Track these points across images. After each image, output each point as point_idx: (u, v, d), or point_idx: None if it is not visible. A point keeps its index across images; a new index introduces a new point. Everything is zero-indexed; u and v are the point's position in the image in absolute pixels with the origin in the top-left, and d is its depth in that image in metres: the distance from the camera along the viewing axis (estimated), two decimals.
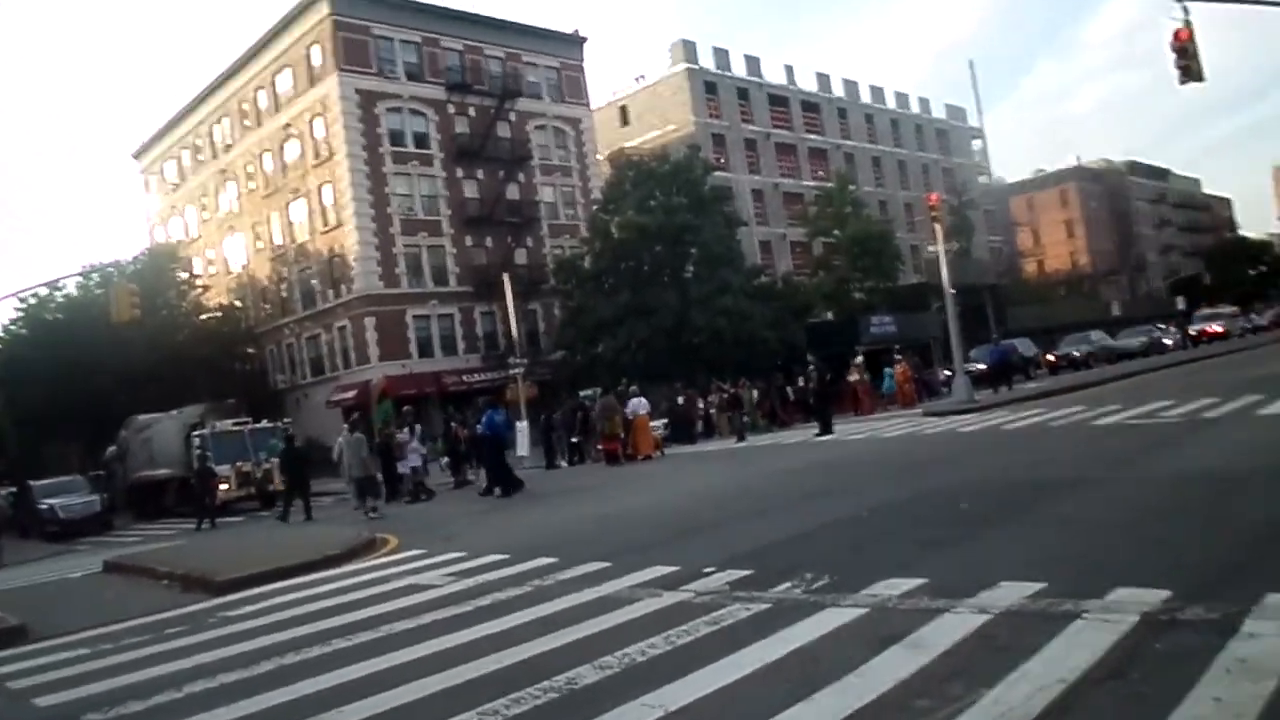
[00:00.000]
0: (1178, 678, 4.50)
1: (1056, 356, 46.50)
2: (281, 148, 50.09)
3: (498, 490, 19.94)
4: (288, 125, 49.17)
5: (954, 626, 5.87)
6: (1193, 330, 57.31)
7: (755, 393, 31.25)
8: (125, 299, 23.99)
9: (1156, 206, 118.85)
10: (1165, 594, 5.84)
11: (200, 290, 52.06)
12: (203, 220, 58.02)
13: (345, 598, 9.86)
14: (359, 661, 6.95)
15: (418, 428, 24.62)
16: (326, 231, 47.04)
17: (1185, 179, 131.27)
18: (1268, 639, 4.87)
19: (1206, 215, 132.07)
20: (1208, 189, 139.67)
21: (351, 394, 42.02)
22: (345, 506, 22.37)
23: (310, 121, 47.50)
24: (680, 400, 32.38)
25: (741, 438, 28.13)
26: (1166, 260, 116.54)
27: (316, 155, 47.17)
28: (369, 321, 44.69)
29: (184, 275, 51.81)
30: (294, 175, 49.16)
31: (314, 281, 48.81)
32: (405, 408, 27.80)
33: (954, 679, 4.94)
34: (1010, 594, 6.38)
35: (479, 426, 21.28)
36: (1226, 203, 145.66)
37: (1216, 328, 57.92)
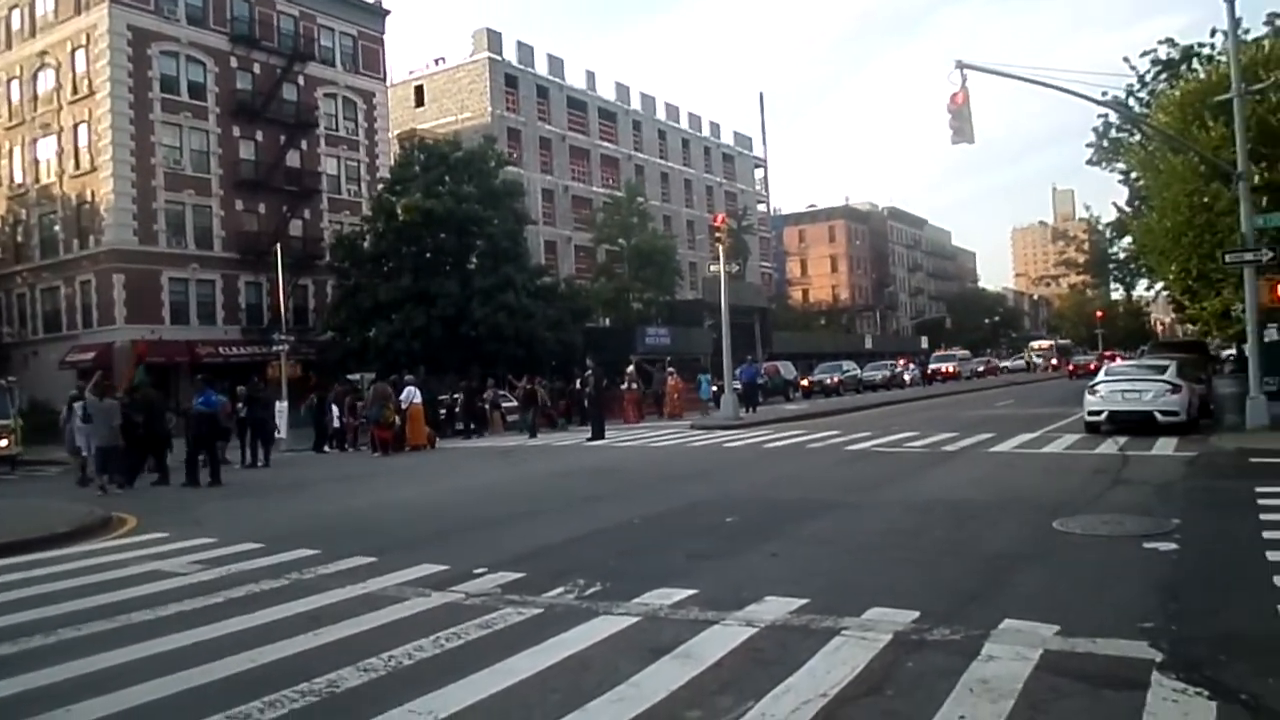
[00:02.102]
0: (928, 696, 4.82)
1: (810, 381, 49.36)
2: (34, 76, 45.15)
3: (204, 477, 18.49)
4: (44, 53, 44.42)
5: (723, 639, 6.04)
6: (930, 368, 62.61)
7: (546, 391, 31.33)
8: None
9: (911, 251, 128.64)
10: (914, 614, 6.27)
11: None
12: None
13: (75, 581, 8.92)
14: (92, 654, 6.29)
15: (83, 404, 19.88)
16: (78, 175, 42.84)
17: (938, 229, 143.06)
18: (1005, 661, 5.31)
19: (953, 265, 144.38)
20: (957, 241, 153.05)
21: (90, 355, 38.54)
22: (69, 479, 20.41)
23: (71, 52, 43.08)
24: (457, 394, 31.75)
25: (534, 434, 28.25)
26: (915, 302, 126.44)
27: (74, 90, 42.88)
28: (118, 279, 41.05)
29: None
30: (45, 108, 44.41)
31: (57, 228, 44.28)
32: (85, 382, 24.01)
33: (724, 691, 5.07)
34: (775, 608, 6.64)
35: (197, 402, 19.47)
36: (971, 255, 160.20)
37: (949, 368, 63.67)
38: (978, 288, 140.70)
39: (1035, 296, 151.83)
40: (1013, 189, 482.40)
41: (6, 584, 9.00)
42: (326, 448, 27.33)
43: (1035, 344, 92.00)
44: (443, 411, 30.35)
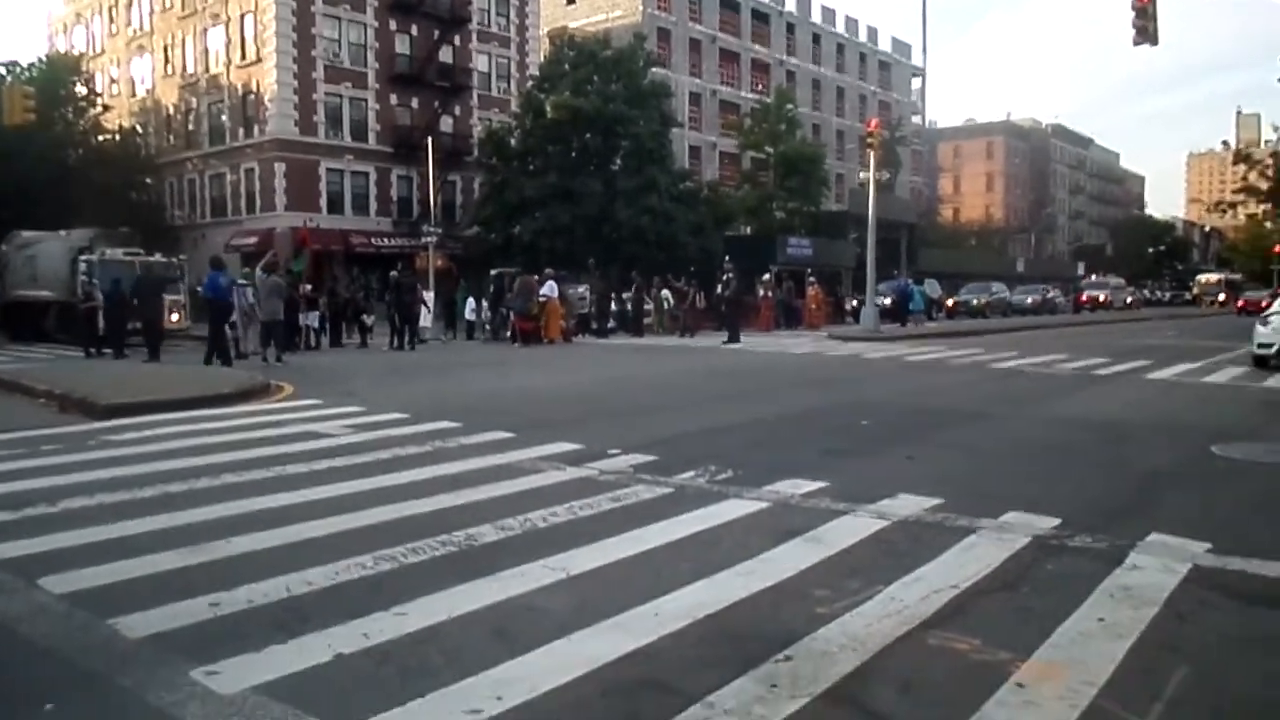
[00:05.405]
0: (1065, 597, 4.67)
1: (955, 302, 47.82)
2: None
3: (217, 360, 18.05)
4: None
5: (853, 528, 6.00)
6: (1084, 296, 59.72)
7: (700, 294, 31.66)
8: (19, 100, 22.31)
9: (1074, 172, 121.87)
10: (1056, 521, 6.07)
11: (100, 110, 48.92)
12: (110, 34, 54.23)
13: (237, 435, 9.56)
14: (251, 497, 6.77)
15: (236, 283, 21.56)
16: (244, 66, 44.51)
17: (1105, 150, 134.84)
18: (1151, 572, 5.09)
19: (1119, 189, 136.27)
20: (1125, 163, 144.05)
21: (253, 240, 40.46)
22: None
23: None
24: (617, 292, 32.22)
25: (688, 334, 28.96)
26: (1075, 226, 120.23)
27: None
28: (279, 167, 42.81)
29: (83, 90, 48.55)
30: None
31: (224, 117, 46.34)
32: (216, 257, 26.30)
33: (852, 575, 5.04)
34: (908, 505, 6.54)
35: (199, 289, 19.48)
36: (1140, 180, 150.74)
37: (1100, 296, 60.49)
38: (1144, 214, 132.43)
39: (1206, 228, 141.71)
40: (1191, 112, 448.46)
41: (179, 434, 9.71)
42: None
43: (1202, 277, 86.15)
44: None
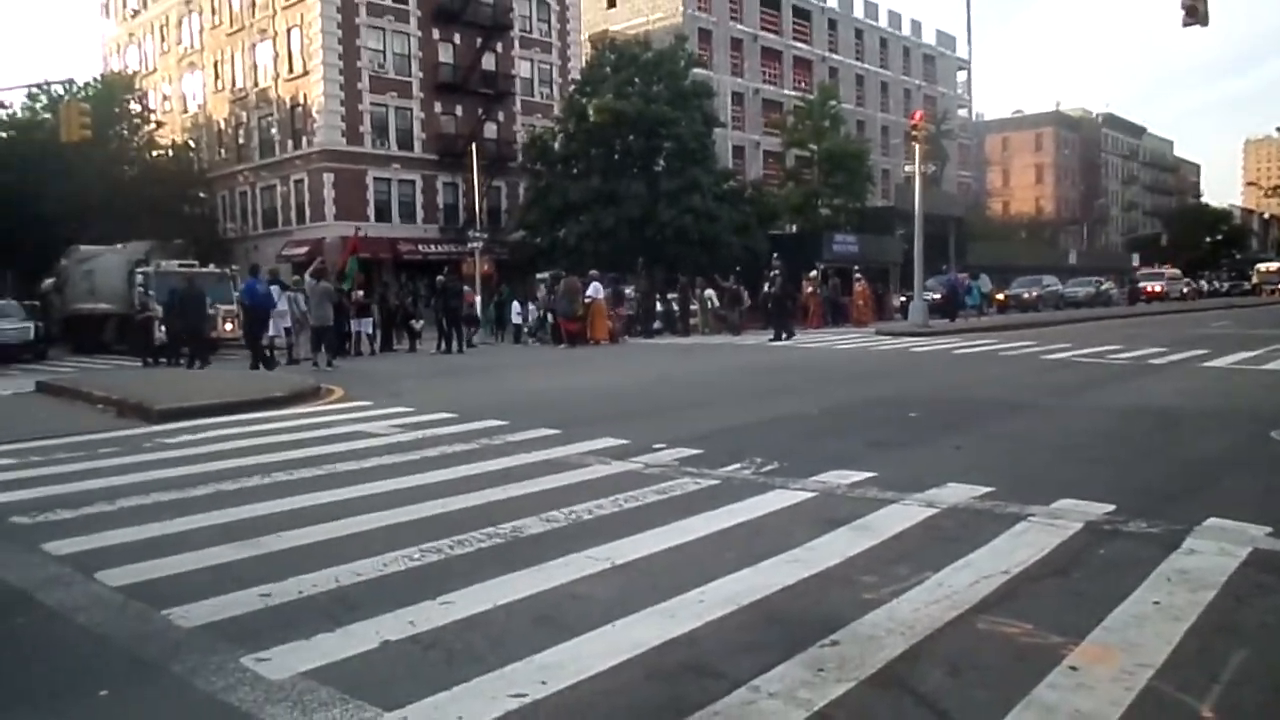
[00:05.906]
0: (1119, 581, 4.58)
1: (1006, 296, 47.12)
2: None
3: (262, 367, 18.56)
4: None
5: (901, 516, 5.93)
6: (1149, 288, 58.44)
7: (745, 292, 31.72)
8: (76, 118, 22.92)
9: (1127, 162, 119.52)
10: (1109, 507, 5.94)
11: (154, 126, 50.03)
12: (162, 52, 55.47)
13: (288, 436, 9.72)
14: (300, 494, 6.88)
15: (288, 290, 22.13)
16: (291, 79, 45.28)
17: (1159, 139, 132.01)
18: (1208, 555, 4.97)
19: (1174, 178, 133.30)
20: (1179, 152, 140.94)
21: (304, 249, 41.11)
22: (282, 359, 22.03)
23: None
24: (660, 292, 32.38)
25: (737, 333, 29.08)
26: (1128, 217, 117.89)
27: None
28: (328, 178, 43.47)
29: (137, 108, 49.69)
30: (262, 14, 46.96)
31: (274, 130, 47.17)
32: (270, 268, 26.45)
33: (900, 561, 4.99)
34: (957, 493, 6.45)
35: (236, 294, 19.80)
36: (1195, 168, 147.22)
37: (1155, 287, 59.15)
38: (1200, 204, 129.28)
39: (1266, 215, 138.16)
40: (1247, 97, 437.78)
41: (231, 435, 9.90)
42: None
43: (1262, 265, 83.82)
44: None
